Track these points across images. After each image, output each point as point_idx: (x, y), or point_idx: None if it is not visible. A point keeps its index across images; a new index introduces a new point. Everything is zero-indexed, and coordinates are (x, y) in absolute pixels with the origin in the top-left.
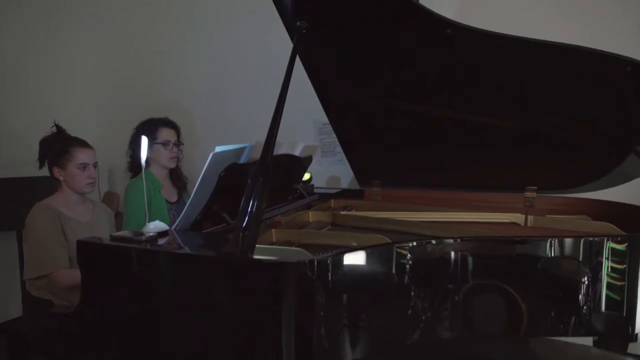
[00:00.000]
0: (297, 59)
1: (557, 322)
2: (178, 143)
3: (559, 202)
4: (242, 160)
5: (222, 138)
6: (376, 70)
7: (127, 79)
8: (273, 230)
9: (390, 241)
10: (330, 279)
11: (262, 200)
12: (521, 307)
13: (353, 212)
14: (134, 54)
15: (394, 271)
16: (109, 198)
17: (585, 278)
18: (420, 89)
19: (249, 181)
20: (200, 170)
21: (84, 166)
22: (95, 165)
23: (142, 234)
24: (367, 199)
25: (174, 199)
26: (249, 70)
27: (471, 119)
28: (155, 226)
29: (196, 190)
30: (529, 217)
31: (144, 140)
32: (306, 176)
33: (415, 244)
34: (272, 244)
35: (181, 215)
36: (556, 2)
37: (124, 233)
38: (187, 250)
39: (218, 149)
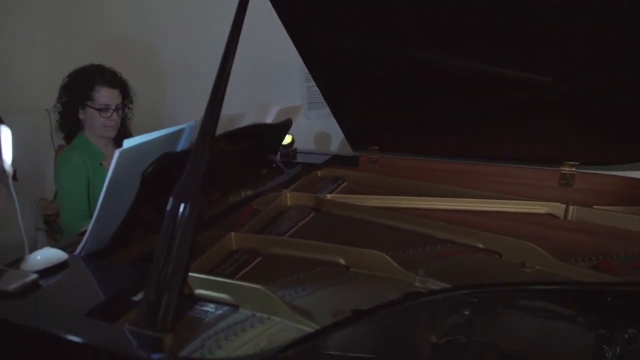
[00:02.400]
0: None
1: None
2: (122, 106)
3: (602, 182)
4: (180, 146)
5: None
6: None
7: None
8: (233, 235)
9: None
10: None
11: (188, 241)
12: None
13: (343, 197)
14: None
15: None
16: None
17: None
18: (428, 29)
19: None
20: None
21: None
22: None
23: (14, 274)
24: (362, 167)
25: None
26: None
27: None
28: (45, 257)
29: (102, 202)
30: (570, 208)
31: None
32: (287, 139)
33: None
34: (230, 252)
35: (85, 237)
36: None
37: None
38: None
39: (127, 143)
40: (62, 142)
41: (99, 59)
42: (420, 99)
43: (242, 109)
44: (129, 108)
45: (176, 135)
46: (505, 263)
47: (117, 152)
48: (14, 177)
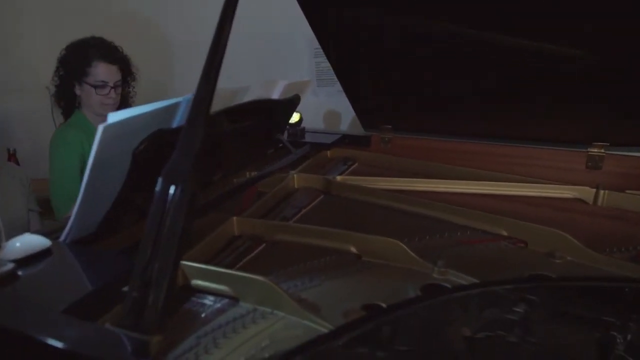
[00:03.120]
0: None
1: None
2: (121, 84)
3: (634, 165)
4: (176, 122)
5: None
6: None
7: None
8: (235, 219)
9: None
10: None
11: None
12: None
13: (353, 179)
14: None
15: None
16: None
17: None
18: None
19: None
20: None
21: None
22: None
23: None
24: (374, 148)
25: None
26: None
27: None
28: (25, 244)
29: (87, 182)
30: (600, 192)
31: None
32: (295, 117)
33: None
34: (231, 239)
35: (69, 222)
36: None
37: None
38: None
39: (112, 117)
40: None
41: (103, 36)
42: (437, 74)
43: (246, 83)
44: (130, 86)
45: (171, 110)
46: (532, 252)
47: (100, 128)
48: (14, 158)
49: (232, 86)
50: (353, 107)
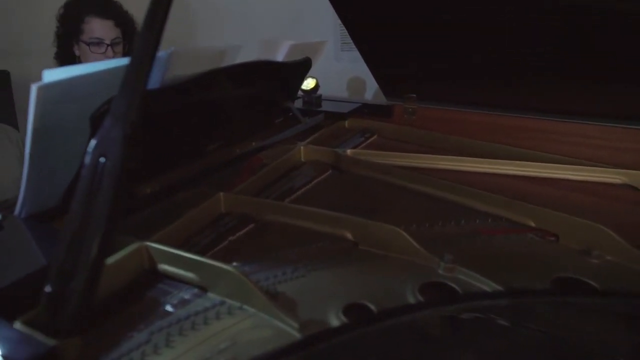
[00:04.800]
0: None
1: None
2: (121, 42)
3: None
4: (153, 82)
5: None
6: None
7: None
8: (222, 195)
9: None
10: None
11: (105, 210)
12: None
13: (365, 153)
14: None
15: None
16: None
17: None
18: None
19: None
20: None
21: None
22: None
23: None
24: (396, 119)
25: None
26: None
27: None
28: None
29: (31, 152)
30: None
31: None
32: (310, 83)
33: None
34: (217, 217)
35: (20, 195)
36: None
37: None
38: None
39: (49, 76)
40: None
41: None
42: (471, 35)
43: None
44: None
45: None
46: (563, 248)
47: (33, 88)
48: None
49: (219, 45)
50: (373, 73)
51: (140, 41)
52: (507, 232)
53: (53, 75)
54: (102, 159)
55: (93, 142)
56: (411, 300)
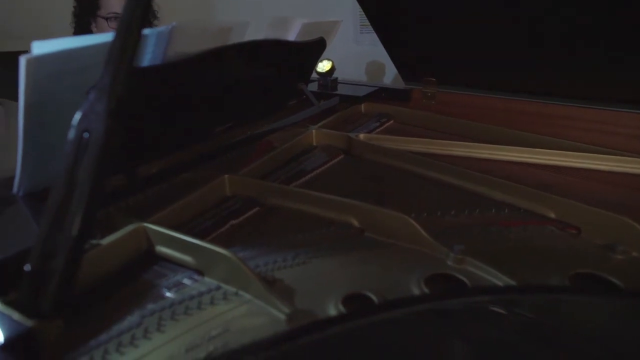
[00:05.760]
0: None
1: None
2: None
3: None
4: (149, 59)
5: None
6: None
7: None
8: (227, 177)
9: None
10: None
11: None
12: None
13: (379, 137)
14: None
15: None
16: None
17: None
18: None
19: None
20: None
21: None
22: None
23: None
24: (414, 104)
25: None
26: None
27: None
28: None
29: (24, 128)
30: None
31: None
32: (326, 66)
33: None
34: (221, 200)
35: (17, 173)
36: None
37: None
38: None
39: (39, 47)
40: None
41: None
42: (493, 16)
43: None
44: (152, 25)
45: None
46: (585, 243)
47: (21, 60)
48: None
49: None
50: (390, 55)
51: (126, 11)
52: (524, 224)
53: (43, 47)
54: (85, 134)
55: (77, 116)
56: (415, 291)
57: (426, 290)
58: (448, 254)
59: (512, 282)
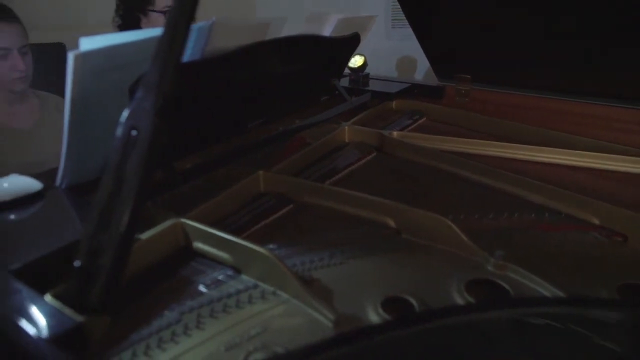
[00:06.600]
0: None
1: None
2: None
3: None
4: (189, 54)
5: None
6: None
7: None
8: (261, 174)
9: None
10: None
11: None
12: None
13: (413, 136)
14: None
15: None
16: None
17: None
18: None
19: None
20: None
21: (3, 52)
22: (24, 50)
23: None
24: (448, 101)
25: None
26: None
27: None
28: (13, 186)
29: (70, 123)
30: None
31: None
32: (358, 61)
33: None
34: (256, 196)
35: (60, 166)
36: None
37: None
38: None
39: (86, 43)
40: None
41: None
42: (532, 11)
43: (301, 15)
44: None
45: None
46: (632, 251)
47: (70, 56)
48: None
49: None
50: (425, 51)
51: (175, 8)
52: (566, 229)
53: (91, 43)
54: (133, 132)
55: (125, 114)
56: (456, 296)
57: (468, 297)
58: (488, 259)
59: (560, 293)
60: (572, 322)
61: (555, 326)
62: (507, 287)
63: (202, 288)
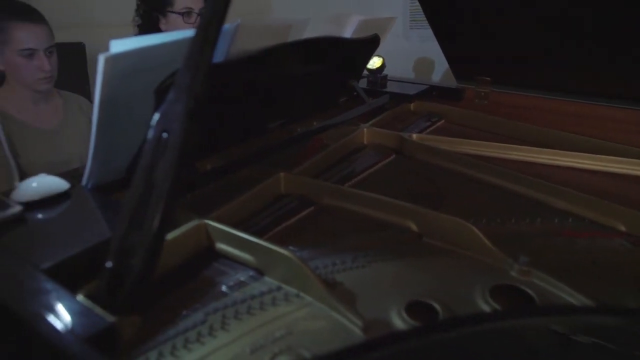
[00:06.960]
0: None
1: None
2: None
3: None
4: (218, 55)
5: None
6: None
7: None
8: (282, 175)
9: None
10: None
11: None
12: None
13: (433, 138)
14: None
15: None
16: None
17: None
18: None
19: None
20: None
21: (30, 52)
22: (50, 50)
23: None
24: (467, 104)
25: None
26: None
27: None
28: (41, 186)
29: (98, 123)
30: None
31: None
32: (376, 62)
33: None
34: (277, 198)
35: (87, 166)
36: None
37: None
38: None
39: (116, 46)
40: None
41: None
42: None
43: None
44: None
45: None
46: None
47: (100, 59)
48: None
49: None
50: (445, 53)
51: (207, 11)
52: (591, 235)
53: (120, 45)
54: (164, 134)
55: (156, 116)
56: (480, 302)
57: (494, 303)
58: (512, 265)
59: (588, 302)
60: (619, 341)
61: (604, 346)
62: (532, 293)
63: (225, 289)
